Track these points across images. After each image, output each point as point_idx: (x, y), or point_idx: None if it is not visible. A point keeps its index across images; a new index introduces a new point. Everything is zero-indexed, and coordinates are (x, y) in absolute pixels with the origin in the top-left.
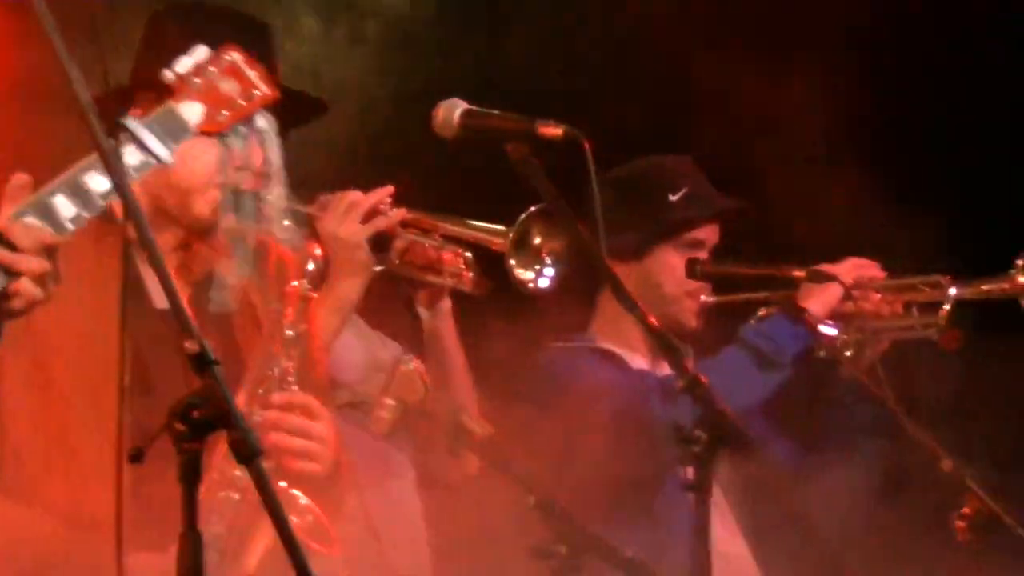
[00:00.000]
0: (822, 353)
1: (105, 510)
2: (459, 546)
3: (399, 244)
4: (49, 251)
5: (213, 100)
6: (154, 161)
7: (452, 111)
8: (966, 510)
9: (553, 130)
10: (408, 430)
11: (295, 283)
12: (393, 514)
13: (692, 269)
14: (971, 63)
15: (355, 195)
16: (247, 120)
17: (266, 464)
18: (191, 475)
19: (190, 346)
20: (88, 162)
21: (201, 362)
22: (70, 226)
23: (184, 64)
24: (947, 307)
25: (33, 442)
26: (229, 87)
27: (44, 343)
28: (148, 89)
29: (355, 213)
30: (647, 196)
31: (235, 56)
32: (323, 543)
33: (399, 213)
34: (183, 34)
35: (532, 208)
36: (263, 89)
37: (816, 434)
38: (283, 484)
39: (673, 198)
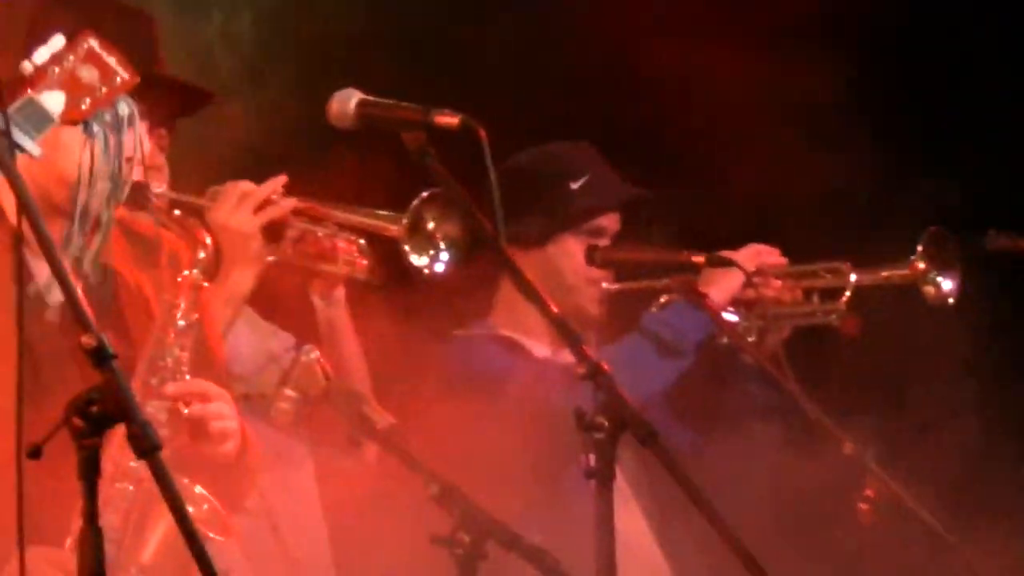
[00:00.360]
0: (724, 340)
1: (5, 507)
2: (360, 536)
3: (292, 233)
4: None
5: (73, 88)
6: (19, 152)
7: (347, 102)
8: (869, 492)
9: (449, 119)
10: (306, 420)
11: (187, 272)
12: (292, 505)
13: (592, 256)
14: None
15: (246, 185)
16: (109, 106)
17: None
18: (91, 470)
19: (87, 340)
20: None
21: (99, 356)
22: None
23: (41, 54)
24: (848, 293)
25: None
26: (89, 74)
27: None
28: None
29: (247, 203)
30: (548, 183)
31: (92, 43)
32: (220, 532)
33: (291, 202)
34: (66, 24)
35: (424, 193)
36: (123, 75)
37: (718, 420)
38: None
39: (574, 186)
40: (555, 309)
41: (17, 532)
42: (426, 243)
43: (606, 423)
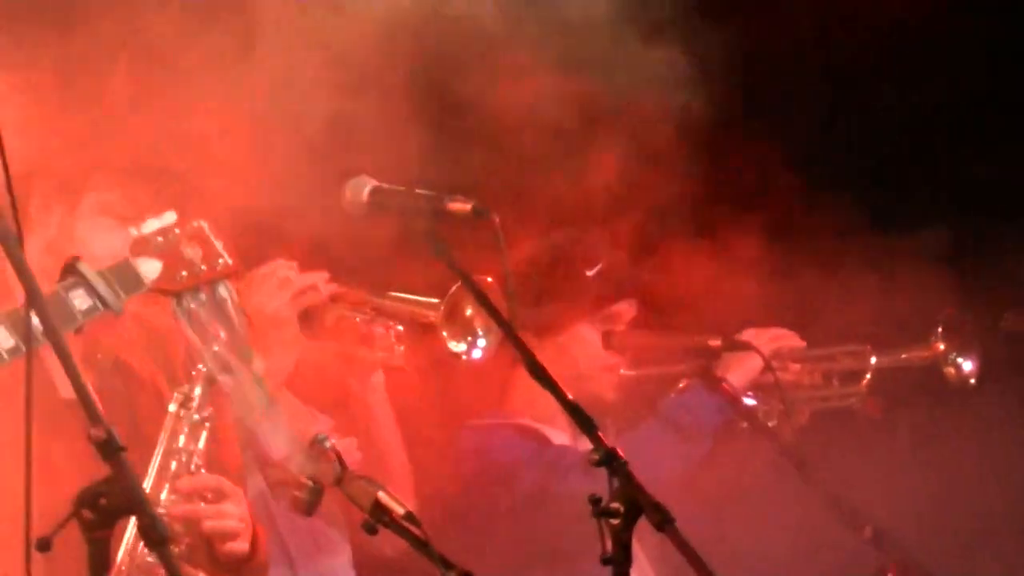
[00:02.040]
0: (744, 424)
1: None
2: None
3: (330, 318)
4: None
5: (173, 261)
6: (102, 308)
7: (360, 190)
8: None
9: (461, 206)
10: (342, 506)
11: (201, 366)
12: None
13: (609, 341)
14: None
15: (285, 271)
16: (208, 286)
17: (176, 549)
18: (100, 564)
19: (96, 433)
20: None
21: (108, 449)
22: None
23: (150, 225)
24: (868, 376)
25: None
26: (192, 252)
27: None
28: None
29: (285, 289)
30: (563, 271)
31: (203, 223)
32: None
33: (329, 288)
34: None
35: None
36: (227, 260)
37: (737, 504)
38: None
39: (589, 273)
40: (570, 396)
41: None
42: (464, 329)
43: (621, 509)
